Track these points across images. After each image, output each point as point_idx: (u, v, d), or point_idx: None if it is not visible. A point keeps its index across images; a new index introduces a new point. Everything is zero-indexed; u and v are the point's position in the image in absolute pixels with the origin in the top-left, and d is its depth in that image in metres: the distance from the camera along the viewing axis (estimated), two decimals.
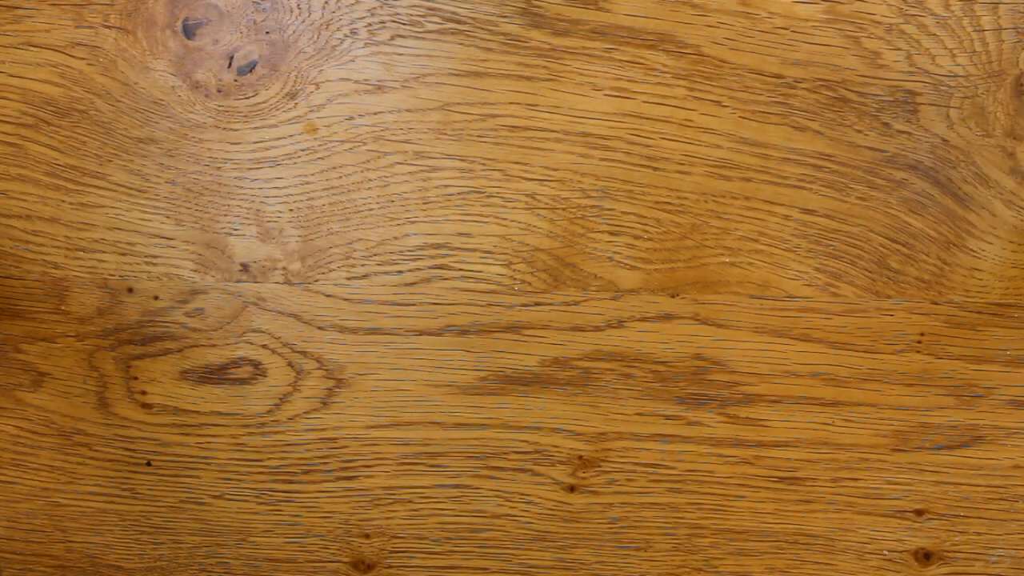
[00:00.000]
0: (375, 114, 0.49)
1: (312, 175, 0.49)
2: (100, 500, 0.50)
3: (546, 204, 0.50)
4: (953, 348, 0.50)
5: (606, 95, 0.50)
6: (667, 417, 0.53)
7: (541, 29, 0.49)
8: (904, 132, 0.50)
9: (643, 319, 0.51)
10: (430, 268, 0.51)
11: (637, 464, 0.53)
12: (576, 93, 0.49)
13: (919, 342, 0.50)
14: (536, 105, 0.49)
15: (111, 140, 0.49)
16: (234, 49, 0.49)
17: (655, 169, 0.49)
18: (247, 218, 0.49)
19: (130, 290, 0.49)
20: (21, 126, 0.49)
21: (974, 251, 0.50)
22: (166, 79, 0.49)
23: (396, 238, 0.50)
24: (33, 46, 0.49)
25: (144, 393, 0.49)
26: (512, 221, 0.50)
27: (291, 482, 0.50)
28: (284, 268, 0.49)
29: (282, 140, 0.49)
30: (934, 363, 0.50)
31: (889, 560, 0.50)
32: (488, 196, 0.50)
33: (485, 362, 0.52)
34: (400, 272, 0.50)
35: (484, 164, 0.50)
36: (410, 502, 0.54)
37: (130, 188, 0.49)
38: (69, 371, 0.49)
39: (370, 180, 0.50)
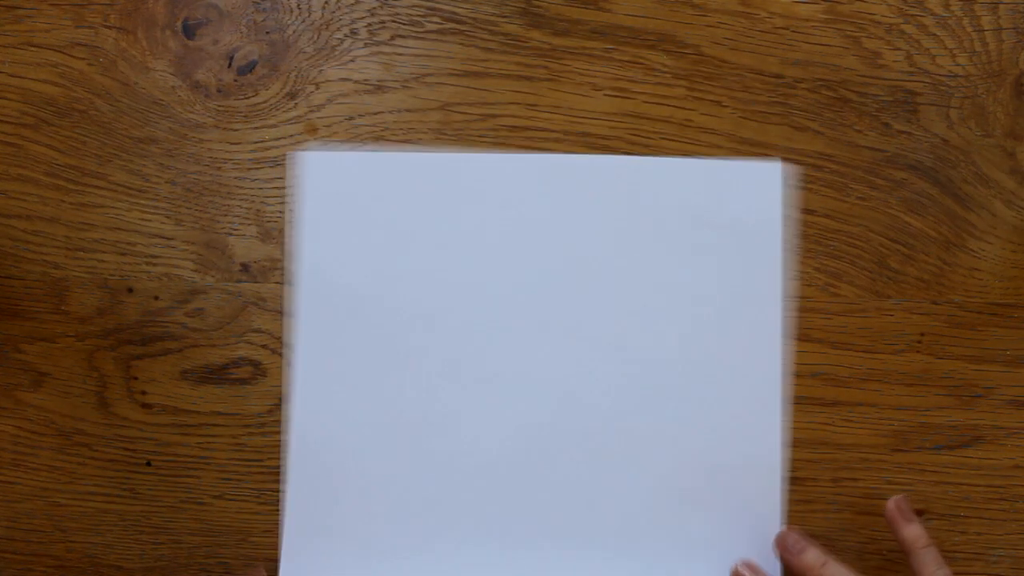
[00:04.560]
0: (375, 114, 0.49)
1: None
2: (100, 500, 0.50)
3: None
4: (953, 348, 0.50)
5: (606, 95, 0.50)
6: None
7: (541, 29, 0.49)
8: (904, 132, 0.50)
9: None
10: None
11: None
12: (576, 93, 0.49)
13: (919, 342, 0.50)
14: (536, 105, 0.49)
15: (111, 140, 0.49)
16: (234, 49, 0.49)
17: None
18: (247, 218, 0.49)
19: (130, 290, 0.49)
20: (21, 126, 0.49)
21: (974, 251, 0.50)
22: (166, 79, 0.49)
23: None
24: (33, 46, 0.49)
25: (144, 393, 0.49)
26: None
27: None
28: (284, 268, 0.49)
29: (282, 140, 0.49)
30: (934, 363, 0.50)
31: (889, 560, 0.50)
32: None
33: None
34: None
35: None
36: None
37: (130, 188, 0.49)
38: (69, 371, 0.49)
39: None
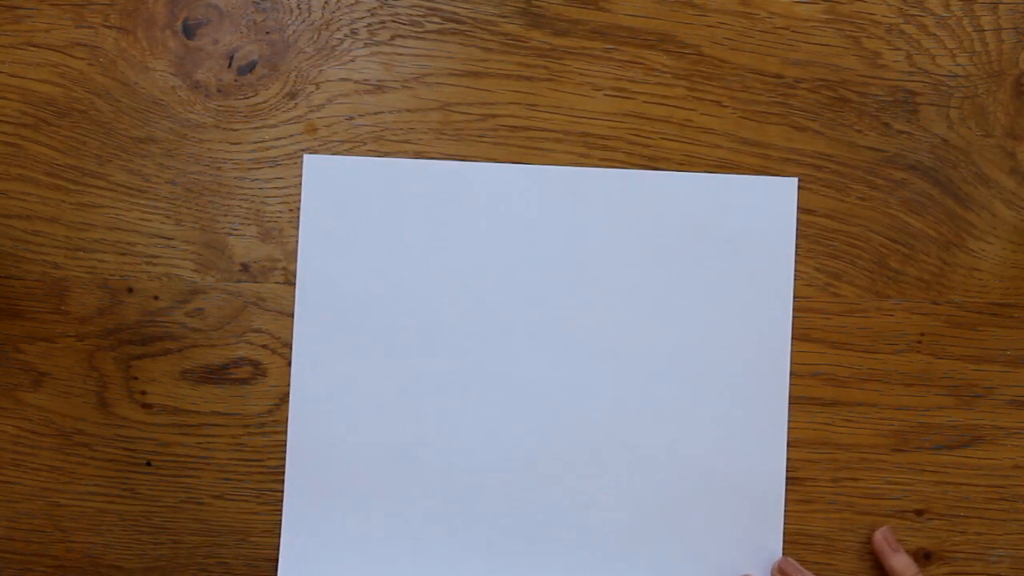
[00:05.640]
0: (375, 114, 0.49)
1: None
2: (100, 500, 0.50)
3: None
4: (953, 348, 0.50)
5: (606, 95, 0.50)
6: None
7: (541, 29, 0.49)
8: (904, 132, 0.50)
9: None
10: None
11: None
12: (576, 93, 0.49)
13: (919, 342, 0.50)
14: (536, 105, 0.49)
15: (111, 140, 0.49)
16: (234, 49, 0.49)
17: (655, 169, 0.49)
18: (247, 218, 0.49)
19: (130, 290, 0.49)
20: (21, 126, 0.49)
21: (974, 251, 0.50)
22: (166, 79, 0.49)
23: None
24: (33, 46, 0.49)
25: (144, 393, 0.49)
26: None
27: None
28: (284, 268, 0.49)
29: (282, 140, 0.49)
30: (934, 363, 0.50)
31: None
32: None
33: None
34: None
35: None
36: None
37: (130, 188, 0.49)
38: (69, 371, 0.49)
39: None
